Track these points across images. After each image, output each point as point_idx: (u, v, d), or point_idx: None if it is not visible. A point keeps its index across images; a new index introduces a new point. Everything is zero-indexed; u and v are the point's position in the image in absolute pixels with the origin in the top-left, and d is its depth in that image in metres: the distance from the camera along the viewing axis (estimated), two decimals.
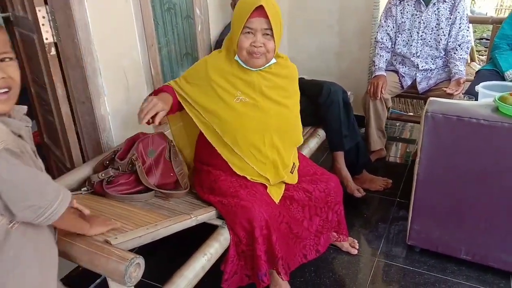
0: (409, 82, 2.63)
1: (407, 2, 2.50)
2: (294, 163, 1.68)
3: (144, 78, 2.00)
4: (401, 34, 2.56)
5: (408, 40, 2.55)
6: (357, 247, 1.94)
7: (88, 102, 1.77)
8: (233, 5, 2.36)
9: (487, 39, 5.67)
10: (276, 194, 1.59)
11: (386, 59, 2.62)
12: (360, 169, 2.45)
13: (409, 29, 2.53)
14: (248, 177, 1.57)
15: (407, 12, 2.51)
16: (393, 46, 2.62)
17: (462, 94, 2.32)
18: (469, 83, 2.56)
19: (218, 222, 1.51)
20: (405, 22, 2.52)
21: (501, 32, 2.53)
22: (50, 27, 1.67)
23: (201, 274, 1.34)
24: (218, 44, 2.37)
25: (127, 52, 1.88)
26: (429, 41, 2.50)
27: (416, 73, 2.60)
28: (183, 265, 1.32)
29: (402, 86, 2.65)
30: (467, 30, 2.46)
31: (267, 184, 1.59)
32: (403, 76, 2.63)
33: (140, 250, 1.37)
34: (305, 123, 1.77)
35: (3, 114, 0.96)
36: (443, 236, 1.80)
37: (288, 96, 1.61)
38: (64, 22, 1.64)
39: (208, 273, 1.37)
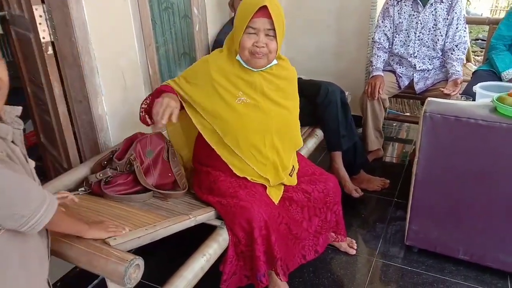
0: (407, 83, 2.64)
1: (404, 2, 2.50)
2: (293, 166, 1.68)
3: (142, 78, 1.99)
4: (399, 35, 2.56)
5: (406, 41, 2.55)
6: (355, 247, 1.94)
7: (86, 101, 1.76)
8: (231, 5, 2.35)
9: (482, 40, 5.71)
10: (275, 195, 1.59)
11: (384, 60, 2.62)
12: (357, 169, 2.45)
13: (406, 30, 2.53)
14: (249, 178, 1.56)
15: (404, 13, 2.51)
16: (390, 46, 2.62)
17: (460, 94, 2.33)
18: (466, 83, 2.57)
19: (217, 222, 1.51)
20: (402, 22, 2.53)
21: (498, 33, 2.55)
22: (47, 26, 1.66)
23: (200, 274, 1.33)
24: (216, 44, 2.36)
25: (124, 51, 1.87)
26: (426, 42, 2.51)
27: (413, 74, 2.61)
28: (182, 266, 1.31)
29: (399, 87, 2.66)
30: (464, 31, 2.47)
31: (266, 185, 1.59)
32: (400, 77, 2.63)
33: (138, 251, 1.36)
34: (303, 123, 1.77)
35: None
36: (441, 236, 1.81)
37: (288, 97, 1.61)
38: (61, 21, 1.63)
39: (207, 273, 1.36)
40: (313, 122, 2.31)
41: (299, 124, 1.69)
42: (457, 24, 2.44)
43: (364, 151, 2.56)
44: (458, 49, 2.46)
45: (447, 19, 2.44)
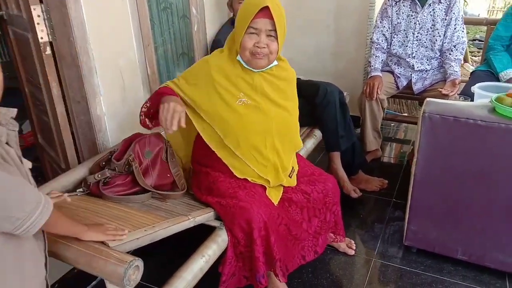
0: (405, 83, 2.64)
1: (402, 3, 2.51)
2: (293, 168, 1.67)
3: (140, 78, 1.98)
4: (397, 35, 2.57)
5: (404, 41, 2.56)
6: (354, 247, 1.94)
7: (84, 102, 1.75)
8: (230, 5, 2.35)
9: (480, 40, 5.73)
10: (274, 196, 1.58)
11: (382, 60, 2.63)
12: (356, 169, 2.45)
13: (404, 30, 2.53)
14: (249, 179, 1.56)
15: (402, 13, 2.52)
16: (388, 46, 2.63)
17: (458, 94, 2.33)
18: (464, 83, 2.58)
19: (216, 223, 1.50)
20: (400, 23, 2.53)
21: (496, 34, 2.55)
22: (46, 26, 1.65)
23: (199, 275, 1.33)
24: (215, 44, 2.36)
25: (123, 51, 1.87)
26: (425, 42, 2.51)
27: (411, 74, 2.61)
28: (181, 267, 1.31)
29: (397, 87, 2.66)
30: (462, 31, 2.48)
31: (266, 186, 1.58)
32: (398, 77, 2.64)
33: (137, 252, 1.36)
34: (301, 124, 1.76)
35: None
36: (440, 237, 1.81)
37: (288, 98, 1.60)
38: (59, 21, 1.62)
39: (206, 274, 1.36)
40: (312, 123, 2.31)
41: (299, 125, 1.69)
42: (455, 24, 2.44)
43: (363, 152, 2.57)
44: (456, 50, 2.47)
45: (445, 19, 2.45)
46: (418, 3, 2.45)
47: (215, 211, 1.51)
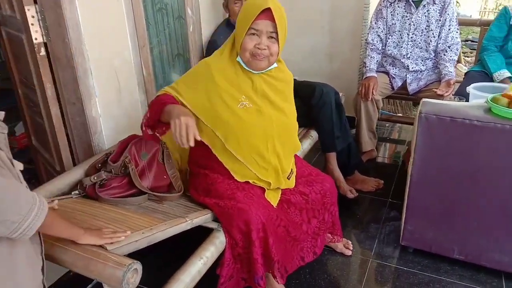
0: (400, 83, 2.65)
1: (397, 4, 2.52)
2: (292, 169, 1.67)
3: (136, 79, 1.97)
4: (392, 36, 2.58)
5: (399, 42, 2.57)
6: (351, 248, 1.95)
7: (79, 103, 1.73)
8: (225, 5, 2.34)
9: (472, 41, 5.78)
10: (273, 198, 1.57)
11: (377, 61, 2.63)
12: (352, 170, 2.45)
13: (399, 31, 2.55)
14: (250, 181, 1.55)
15: (397, 14, 2.53)
16: (383, 47, 2.63)
17: (452, 95, 2.35)
18: (458, 84, 2.60)
19: (213, 225, 1.50)
20: (395, 24, 2.54)
21: (489, 34, 2.58)
22: (40, 27, 1.63)
23: (197, 278, 1.32)
24: (210, 45, 2.35)
25: (118, 52, 1.85)
26: (419, 43, 2.53)
27: (406, 75, 2.62)
28: (179, 269, 1.30)
29: (392, 87, 2.67)
30: (457, 32, 2.49)
31: (266, 188, 1.58)
32: (393, 77, 2.65)
33: (134, 254, 1.35)
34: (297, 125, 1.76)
35: None
36: (436, 237, 1.82)
37: (287, 100, 1.60)
38: (54, 22, 1.60)
39: (204, 276, 1.35)
40: (308, 123, 2.31)
41: (297, 127, 1.68)
42: (449, 25, 2.46)
43: (358, 152, 2.57)
44: (451, 50, 2.48)
45: (440, 20, 2.46)
46: (413, 4, 2.46)
47: (213, 213, 1.51)
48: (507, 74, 2.40)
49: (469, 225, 1.72)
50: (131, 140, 1.61)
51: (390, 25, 2.56)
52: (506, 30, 2.50)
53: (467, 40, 5.96)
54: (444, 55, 2.49)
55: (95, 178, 1.53)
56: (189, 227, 1.45)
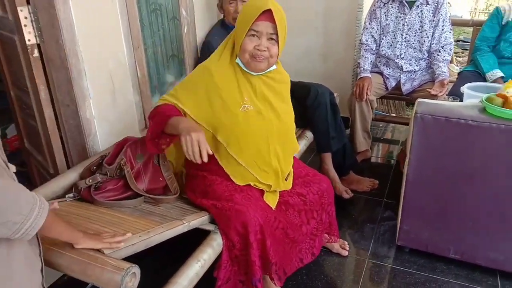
0: (394, 84, 2.66)
1: (391, 4, 2.53)
2: (290, 171, 1.67)
3: (130, 80, 1.95)
4: (386, 36, 2.59)
5: (392, 42, 2.58)
6: (348, 248, 1.95)
7: (73, 105, 1.71)
8: (220, 6, 2.33)
9: (463, 41, 5.82)
10: (272, 200, 1.57)
11: (371, 61, 2.64)
12: (347, 170, 2.46)
13: (393, 31, 2.56)
14: (251, 184, 1.54)
15: (391, 15, 2.54)
16: (377, 48, 2.64)
17: (446, 95, 2.36)
18: (452, 84, 2.61)
19: (210, 227, 1.48)
20: (389, 24, 2.55)
21: (482, 35, 2.60)
22: (33, 28, 1.61)
23: (195, 281, 1.31)
24: (205, 46, 2.34)
25: (113, 53, 1.83)
26: (413, 43, 2.54)
27: (400, 75, 2.63)
28: (176, 272, 1.28)
29: (386, 88, 2.68)
30: (450, 32, 2.51)
31: (266, 190, 1.57)
32: (387, 78, 2.66)
33: (130, 257, 1.33)
34: None
35: None
36: (432, 236, 1.83)
37: (285, 101, 1.59)
38: (47, 23, 1.58)
39: (202, 278, 1.34)
40: (303, 124, 2.30)
41: (295, 128, 1.68)
42: (442, 26, 2.47)
43: (353, 152, 2.58)
44: (444, 51, 2.50)
45: (433, 21, 2.47)
46: (406, 5, 2.48)
47: (210, 214, 1.50)
48: (500, 74, 2.42)
49: (465, 224, 1.73)
50: (127, 142, 1.59)
51: (384, 26, 2.57)
52: (498, 30, 2.53)
53: (458, 41, 6.01)
54: (438, 55, 2.51)
55: (90, 180, 1.51)
56: (186, 230, 1.44)
